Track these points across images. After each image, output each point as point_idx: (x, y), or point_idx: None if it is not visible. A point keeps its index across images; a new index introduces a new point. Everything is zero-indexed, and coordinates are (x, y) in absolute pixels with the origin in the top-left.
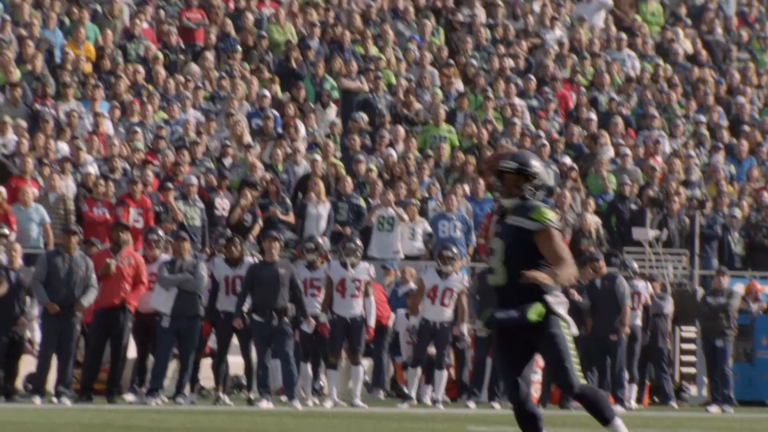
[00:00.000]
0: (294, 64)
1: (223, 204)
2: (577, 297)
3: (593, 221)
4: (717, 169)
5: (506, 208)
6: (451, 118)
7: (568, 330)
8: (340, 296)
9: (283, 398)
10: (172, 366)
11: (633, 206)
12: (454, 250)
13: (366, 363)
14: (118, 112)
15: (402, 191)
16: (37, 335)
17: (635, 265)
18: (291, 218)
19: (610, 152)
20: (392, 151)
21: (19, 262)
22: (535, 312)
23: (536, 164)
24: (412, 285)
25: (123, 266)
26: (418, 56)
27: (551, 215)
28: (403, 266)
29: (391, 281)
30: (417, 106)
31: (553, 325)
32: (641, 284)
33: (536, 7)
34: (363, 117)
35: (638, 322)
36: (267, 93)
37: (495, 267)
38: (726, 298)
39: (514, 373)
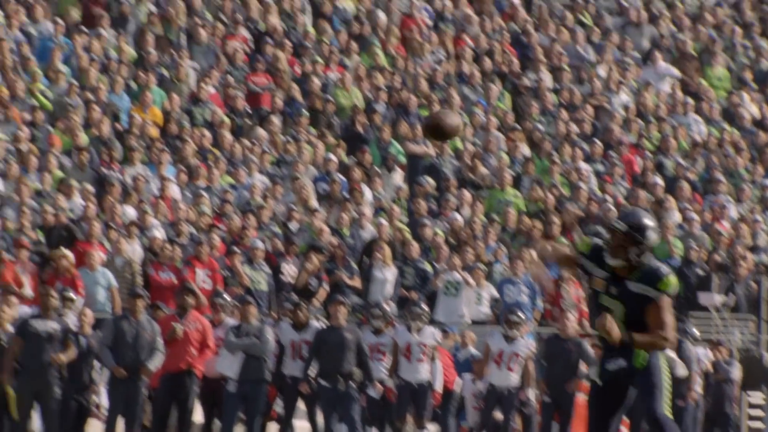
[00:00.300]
0: (360, 129)
1: (290, 270)
2: None
3: None
4: None
5: (614, 268)
6: (517, 183)
7: (667, 370)
8: (407, 361)
9: None
10: (239, 430)
11: (699, 271)
12: (521, 314)
13: (432, 428)
14: (184, 177)
15: (468, 255)
16: (103, 399)
17: (696, 331)
18: (357, 283)
19: (677, 217)
20: (458, 216)
21: (89, 327)
22: (642, 358)
23: (649, 225)
24: (472, 350)
25: (189, 330)
26: (484, 120)
27: (675, 283)
28: (462, 330)
29: (450, 345)
30: (483, 170)
31: (654, 362)
32: (701, 351)
33: (602, 72)
34: (429, 181)
35: (698, 388)
36: (333, 157)
37: None
38: None
39: (602, 423)
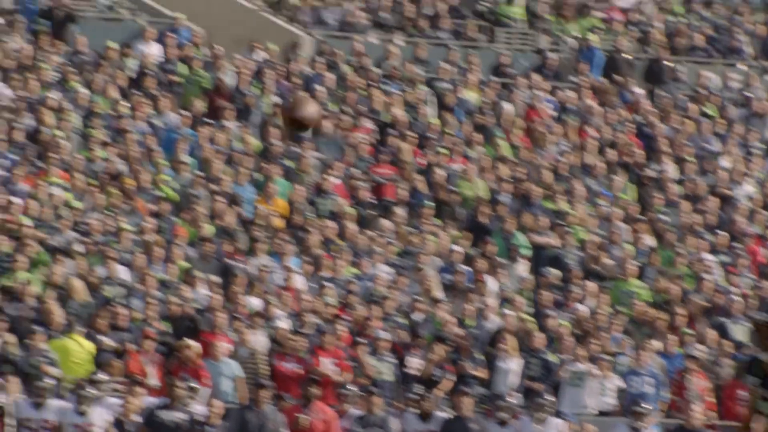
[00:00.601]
0: (484, 219)
1: (414, 362)
2: None
3: None
4: None
5: (764, 367)
6: (641, 274)
7: None
8: None
9: None
10: None
11: None
12: (646, 405)
13: None
14: (309, 267)
15: (593, 346)
16: None
17: None
18: (482, 373)
19: None
20: (583, 306)
21: (217, 418)
22: None
23: None
24: None
25: (314, 421)
26: (609, 211)
27: None
28: (581, 422)
29: None
30: (607, 261)
31: None
32: None
33: (726, 163)
34: (553, 272)
35: None
36: (457, 248)
37: None
38: None
39: None
